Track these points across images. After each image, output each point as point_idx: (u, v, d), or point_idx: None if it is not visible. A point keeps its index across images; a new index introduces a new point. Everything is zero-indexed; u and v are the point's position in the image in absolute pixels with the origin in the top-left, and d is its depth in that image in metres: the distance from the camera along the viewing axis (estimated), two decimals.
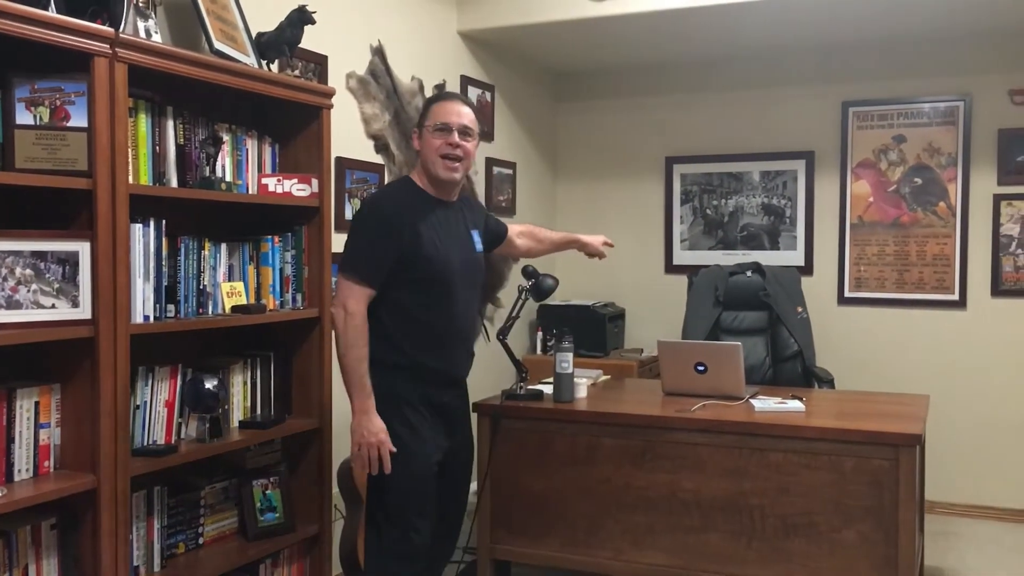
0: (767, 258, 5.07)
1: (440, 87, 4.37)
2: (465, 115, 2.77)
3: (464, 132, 2.76)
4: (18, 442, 2.31)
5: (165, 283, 2.62)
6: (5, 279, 2.21)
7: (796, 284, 4.72)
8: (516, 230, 3.31)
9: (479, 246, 2.95)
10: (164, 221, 2.59)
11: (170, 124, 2.68)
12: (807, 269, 5.10)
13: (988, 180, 4.76)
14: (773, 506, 3.14)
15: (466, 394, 3.00)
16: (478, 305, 3.01)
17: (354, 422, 2.67)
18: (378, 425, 2.65)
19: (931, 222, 4.89)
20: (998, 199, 4.74)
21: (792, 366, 4.48)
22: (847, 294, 5.06)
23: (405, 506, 2.73)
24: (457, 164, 2.75)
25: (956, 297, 4.84)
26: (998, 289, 4.76)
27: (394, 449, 2.67)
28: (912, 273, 4.93)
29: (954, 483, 4.81)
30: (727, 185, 5.33)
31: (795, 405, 3.36)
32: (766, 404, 3.37)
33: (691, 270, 4.99)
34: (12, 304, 2.22)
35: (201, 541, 2.89)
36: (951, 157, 4.83)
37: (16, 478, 2.30)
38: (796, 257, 5.15)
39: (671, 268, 5.44)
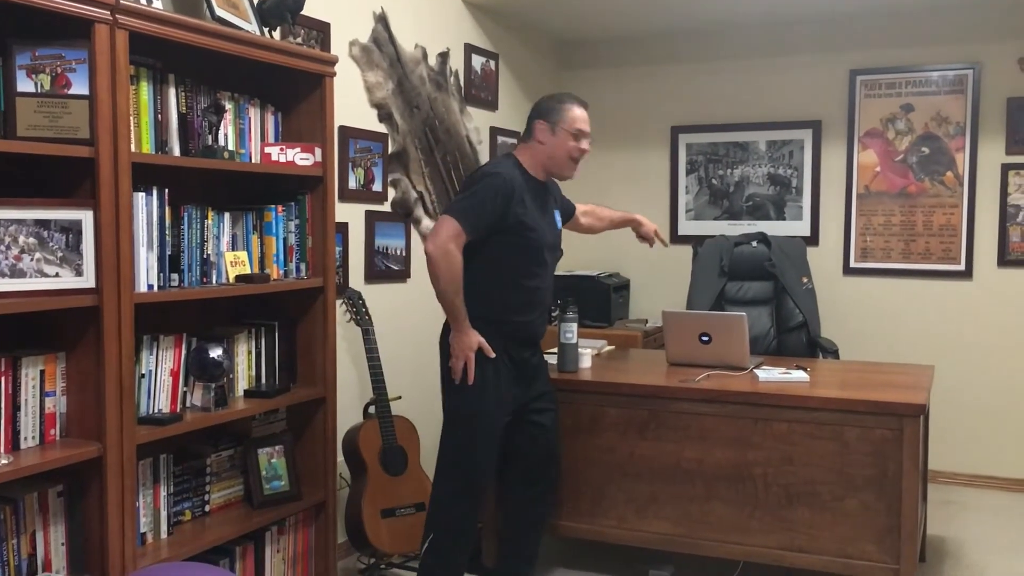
0: (773, 228, 5.05)
1: (444, 56, 4.35)
2: (589, 120, 3.12)
3: (589, 137, 3.12)
4: (24, 410, 2.32)
5: (169, 252, 2.61)
6: (8, 247, 2.21)
7: (802, 254, 4.70)
8: (581, 209, 3.58)
9: (559, 224, 3.27)
10: (167, 190, 2.59)
11: (172, 92, 2.67)
12: (813, 239, 5.08)
13: (996, 149, 4.73)
14: (776, 476, 3.15)
15: (541, 353, 3.25)
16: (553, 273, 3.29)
17: (452, 338, 2.97)
18: (470, 341, 2.94)
19: (938, 192, 4.86)
20: (1006, 168, 4.70)
21: (797, 336, 4.48)
22: (853, 264, 5.04)
23: (471, 443, 2.99)
24: (578, 165, 3.15)
25: (962, 267, 4.82)
26: (1005, 259, 4.74)
27: (491, 354, 2.96)
28: (918, 243, 4.91)
29: (958, 453, 4.82)
30: (733, 155, 5.29)
31: (799, 375, 3.36)
32: (770, 374, 3.37)
33: (696, 240, 4.97)
34: (16, 272, 2.22)
35: (208, 508, 2.91)
36: (959, 126, 4.79)
37: (22, 446, 2.31)
38: (802, 227, 5.13)
39: (676, 238, 5.42)
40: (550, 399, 3.24)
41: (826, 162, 5.08)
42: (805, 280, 4.59)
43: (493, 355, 2.96)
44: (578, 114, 3.08)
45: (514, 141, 5.13)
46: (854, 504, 3.06)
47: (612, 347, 4.19)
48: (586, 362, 3.62)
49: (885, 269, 4.98)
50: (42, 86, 2.29)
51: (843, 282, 5.06)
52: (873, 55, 4.94)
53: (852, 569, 3.09)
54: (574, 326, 3.49)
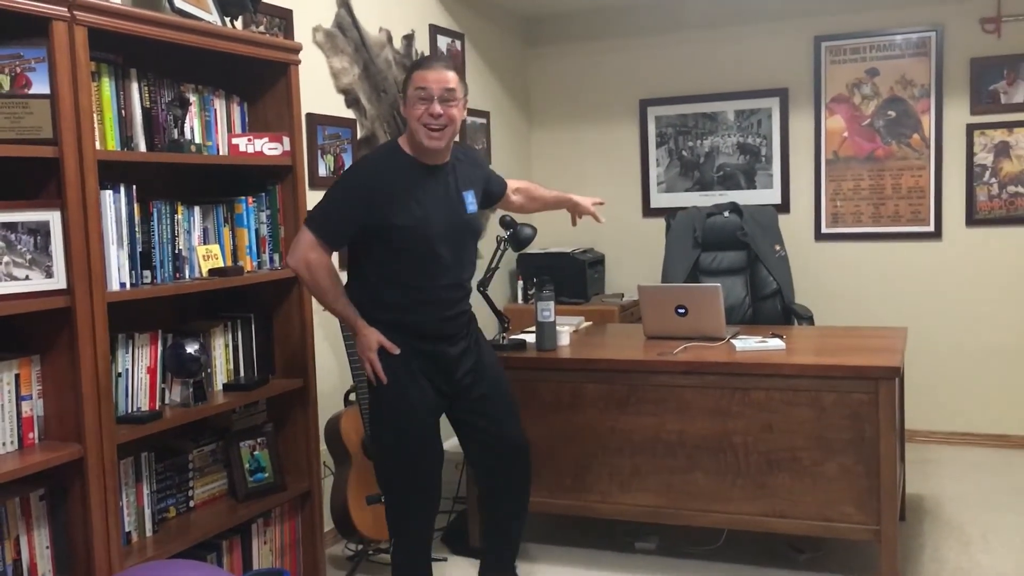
0: (744, 197, 5.07)
1: (409, 38, 4.32)
2: (447, 79, 2.70)
3: (446, 98, 2.69)
4: (0, 415, 2.30)
5: (140, 249, 2.59)
6: None
7: (773, 222, 4.73)
8: (513, 186, 3.26)
9: (471, 207, 2.90)
10: (134, 186, 2.56)
11: (135, 87, 2.63)
12: (784, 207, 5.11)
13: (961, 110, 4.77)
14: (756, 443, 3.19)
15: (467, 340, 2.92)
16: (472, 259, 2.96)
17: (355, 341, 2.85)
18: (369, 341, 2.76)
19: (905, 154, 4.90)
20: (971, 129, 4.75)
21: (772, 304, 4.52)
22: (824, 230, 5.08)
23: (404, 447, 2.82)
24: (439, 132, 2.70)
25: (932, 228, 4.87)
26: (973, 219, 4.79)
27: (395, 350, 2.77)
28: (888, 206, 4.95)
29: (934, 411, 4.89)
30: (702, 126, 5.30)
31: (776, 343, 3.39)
32: (747, 343, 3.40)
33: (669, 213, 4.99)
34: None
35: (192, 504, 2.91)
36: (924, 88, 4.82)
37: (1, 451, 2.30)
38: (772, 195, 5.16)
39: (649, 211, 5.44)
40: (489, 386, 2.95)
41: (794, 129, 5.11)
42: (778, 248, 4.63)
43: (397, 351, 2.76)
44: (418, 74, 2.70)
45: (483, 121, 5.11)
46: (833, 468, 3.11)
47: (589, 323, 4.21)
48: (564, 339, 3.64)
49: (856, 233, 5.02)
50: (1, 87, 2.26)
51: (815, 248, 5.10)
52: (837, 21, 4.96)
53: (834, 531, 3.14)
54: (551, 304, 3.50)
